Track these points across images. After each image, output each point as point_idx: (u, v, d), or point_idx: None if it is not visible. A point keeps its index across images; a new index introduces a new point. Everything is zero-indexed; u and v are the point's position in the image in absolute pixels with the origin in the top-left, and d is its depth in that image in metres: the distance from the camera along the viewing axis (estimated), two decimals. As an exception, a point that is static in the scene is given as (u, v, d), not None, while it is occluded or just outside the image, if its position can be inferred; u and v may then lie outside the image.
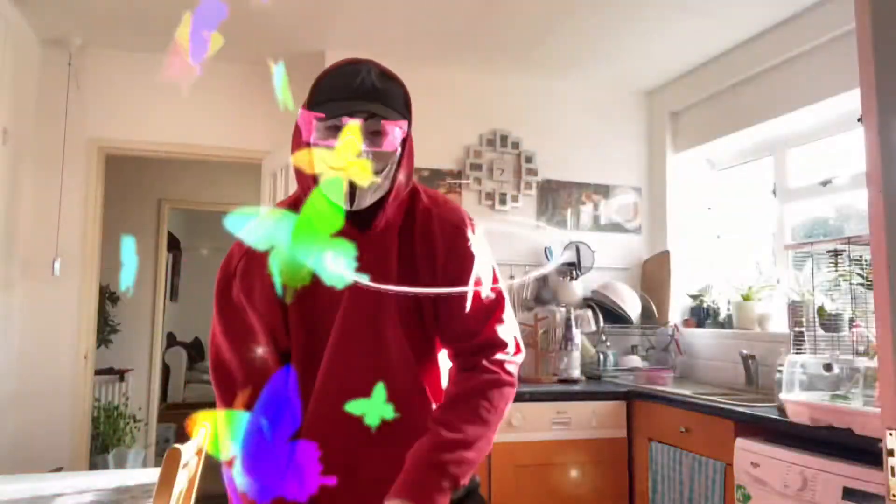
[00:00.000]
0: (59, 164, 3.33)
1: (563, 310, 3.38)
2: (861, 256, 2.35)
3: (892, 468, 1.04)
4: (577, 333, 3.29)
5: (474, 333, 1.15)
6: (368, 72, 1.06)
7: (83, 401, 3.36)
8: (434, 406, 1.16)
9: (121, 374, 4.81)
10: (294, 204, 1.12)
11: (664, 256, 3.66)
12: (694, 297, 3.59)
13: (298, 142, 1.08)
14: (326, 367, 1.12)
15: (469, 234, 1.16)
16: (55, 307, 3.33)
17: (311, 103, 1.07)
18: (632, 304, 3.49)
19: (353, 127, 0.98)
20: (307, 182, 1.05)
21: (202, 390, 6.88)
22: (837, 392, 2.10)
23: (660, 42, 3.26)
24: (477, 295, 1.13)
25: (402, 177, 1.09)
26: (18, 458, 3.15)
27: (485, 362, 1.14)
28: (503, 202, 3.63)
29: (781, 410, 2.21)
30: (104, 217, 3.53)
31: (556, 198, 3.74)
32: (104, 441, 4.25)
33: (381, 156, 1.04)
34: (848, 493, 1.82)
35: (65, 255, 3.32)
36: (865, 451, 1.81)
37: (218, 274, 1.15)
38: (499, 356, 1.15)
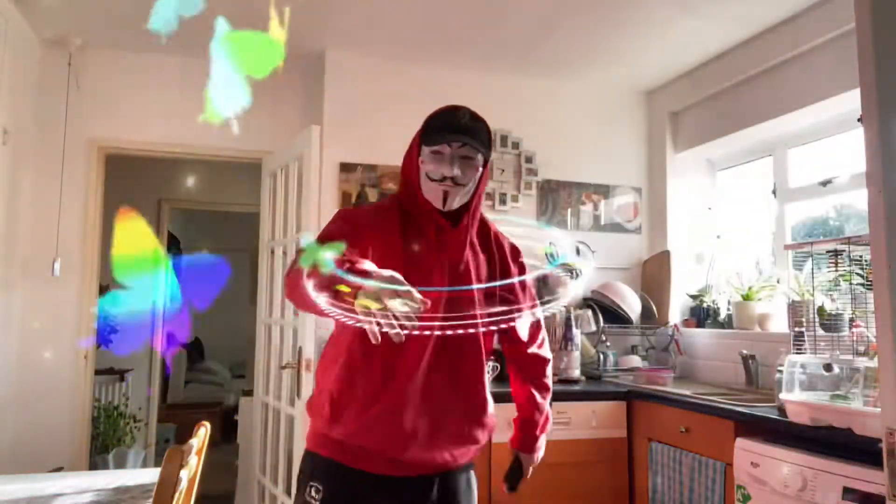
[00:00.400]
0: (59, 164, 3.33)
1: (563, 310, 3.37)
2: (861, 256, 2.35)
3: (893, 468, 1.04)
4: (576, 333, 3.29)
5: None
6: (464, 114, 1.47)
7: (83, 401, 3.36)
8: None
9: (121, 375, 4.81)
10: (395, 202, 1.51)
11: (664, 256, 3.66)
12: (694, 297, 3.59)
13: (410, 160, 1.48)
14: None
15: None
16: (55, 307, 3.32)
17: (423, 134, 1.47)
18: (632, 304, 3.49)
19: (450, 151, 1.41)
20: (412, 188, 1.47)
21: (202, 390, 6.89)
22: (837, 392, 2.10)
23: (660, 42, 3.26)
24: (529, 296, 1.62)
25: (481, 191, 1.50)
26: (18, 458, 3.15)
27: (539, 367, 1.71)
28: (503, 202, 3.63)
29: (781, 410, 2.21)
30: (104, 217, 3.52)
31: (556, 198, 3.74)
32: (104, 441, 4.25)
33: (468, 173, 1.43)
34: (848, 493, 1.82)
35: (65, 255, 3.32)
36: (865, 452, 1.81)
37: (375, 211, 1.52)
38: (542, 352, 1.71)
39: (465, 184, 1.43)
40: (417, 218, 1.46)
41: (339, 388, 1.42)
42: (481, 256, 1.53)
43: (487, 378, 1.57)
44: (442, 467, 1.46)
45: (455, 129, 1.42)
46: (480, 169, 1.46)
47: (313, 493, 1.40)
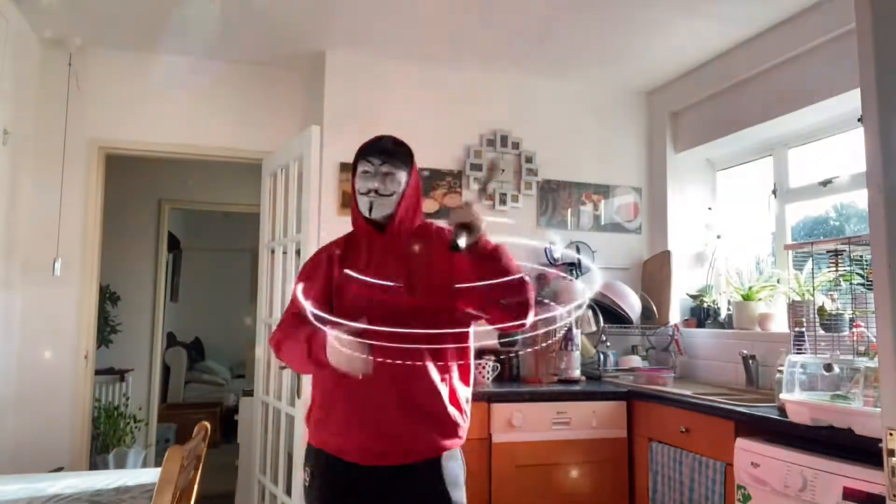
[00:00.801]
0: (60, 164, 3.33)
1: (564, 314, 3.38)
2: (861, 256, 2.35)
3: (893, 468, 1.04)
4: (577, 334, 3.29)
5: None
6: (386, 140, 1.74)
7: (83, 401, 3.36)
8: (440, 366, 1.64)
9: (121, 375, 4.81)
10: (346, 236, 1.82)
11: (664, 256, 3.66)
12: (694, 297, 3.59)
13: (352, 188, 1.75)
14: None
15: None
16: (55, 307, 3.32)
17: (355, 160, 1.74)
18: (632, 304, 3.49)
19: (374, 168, 1.70)
20: (353, 208, 1.76)
21: (202, 390, 6.89)
22: (838, 392, 2.10)
23: (660, 42, 3.26)
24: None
25: (409, 202, 1.73)
26: (19, 458, 3.15)
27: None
28: (503, 202, 3.63)
29: (782, 410, 2.21)
30: (104, 217, 3.53)
31: (556, 198, 3.74)
32: (104, 441, 4.25)
33: (389, 186, 1.69)
34: (848, 493, 1.82)
35: (65, 255, 3.32)
36: (866, 452, 1.81)
37: (320, 252, 1.80)
38: None
39: (388, 194, 1.68)
40: (357, 235, 1.76)
41: (315, 392, 1.73)
42: (423, 256, 1.70)
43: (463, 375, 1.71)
44: (420, 455, 1.61)
45: (376, 150, 1.70)
46: (403, 183, 1.71)
47: (306, 475, 1.69)
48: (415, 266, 1.66)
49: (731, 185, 3.74)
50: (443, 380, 1.63)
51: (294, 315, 1.68)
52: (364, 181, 1.69)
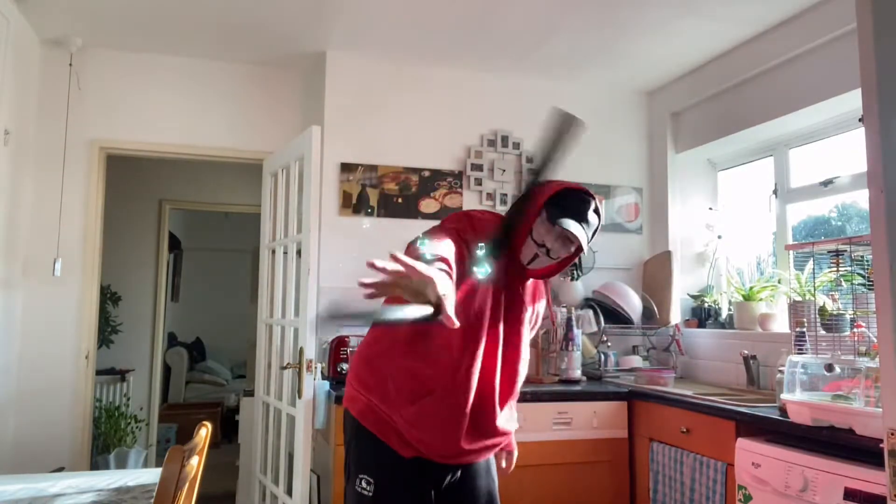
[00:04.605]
0: (60, 164, 3.33)
1: (563, 310, 3.38)
2: (862, 256, 2.35)
3: (894, 469, 1.04)
4: (578, 334, 3.29)
5: None
6: (587, 209, 1.59)
7: (84, 401, 3.36)
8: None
9: (122, 375, 4.81)
10: (494, 224, 1.65)
11: (665, 257, 3.65)
12: (695, 297, 3.59)
13: (530, 210, 1.59)
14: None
15: None
16: (56, 308, 3.33)
17: (551, 204, 1.58)
18: (633, 305, 3.49)
19: (560, 230, 1.56)
20: (515, 230, 1.60)
21: (203, 390, 6.89)
22: (839, 392, 2.10)
23: (660, 42, 3.26)
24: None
25: (563, 266, 1.66)
26: (19, 458, 3.15)
27: None
28: (504, 202, 3.63)
29: (783, 411, 2.21)
30: (105, 217, 3.53)
31: (556, 198, 3.73)
32: (105, 441, 4.25)
33: (561, 252, 1.60)
34: (849, 493, 1.82)
35: (66, 255, 3.32)
36: (867, 452, 1.81)
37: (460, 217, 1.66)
38: None
39: (556, 258, 1.60)
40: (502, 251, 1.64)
41: None
42: (530, 309, 1.73)
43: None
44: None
45: (577, 220, 1.57)
46: (573, 250, 1.60)
47: None
48: (521, 317, 1.71)
49: (733, 185, 3.74)
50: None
51: None
52: (542, 234, 1.57)
